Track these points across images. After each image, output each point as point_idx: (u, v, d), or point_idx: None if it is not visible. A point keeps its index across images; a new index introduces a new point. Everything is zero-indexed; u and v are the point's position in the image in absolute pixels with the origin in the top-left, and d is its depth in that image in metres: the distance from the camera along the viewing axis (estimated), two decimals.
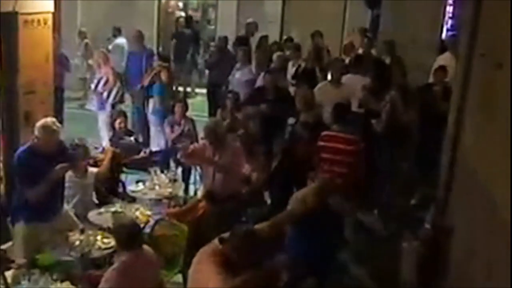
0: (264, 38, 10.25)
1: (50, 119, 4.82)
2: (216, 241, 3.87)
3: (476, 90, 3.92)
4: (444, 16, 10.51)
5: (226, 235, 3.85)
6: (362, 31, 10.02)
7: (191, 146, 6.09)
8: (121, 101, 8.56)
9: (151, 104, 8.27)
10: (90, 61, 10.63)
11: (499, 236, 3.04)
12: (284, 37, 11.22)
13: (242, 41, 9.81)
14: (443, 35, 10.34)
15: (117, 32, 10.76)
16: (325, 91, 7.02)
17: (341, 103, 6.14)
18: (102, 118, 8.34)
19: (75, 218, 5.13)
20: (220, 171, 5.61)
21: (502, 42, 3.42)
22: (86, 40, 11.13)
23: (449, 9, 10.65)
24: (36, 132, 4.69)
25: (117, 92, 8.39)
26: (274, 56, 8.66)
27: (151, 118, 8.18)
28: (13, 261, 4.47)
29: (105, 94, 8.31)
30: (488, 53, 3.70)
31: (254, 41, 10.28)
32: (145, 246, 4.21)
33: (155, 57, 8.67)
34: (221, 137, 5.68)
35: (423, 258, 4.19)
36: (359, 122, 6.68)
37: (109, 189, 6.03)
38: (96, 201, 5.76)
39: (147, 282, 4.07)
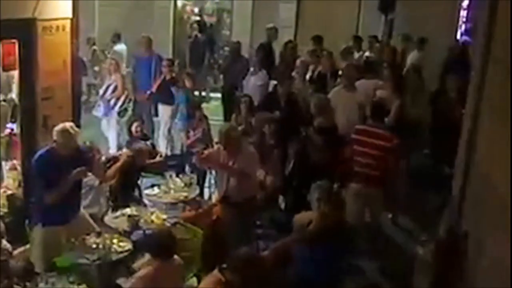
0: (290, 43, 10.14)
1: (68, 124, 4.91)
2: (216, 271, 3.83)
3: (491, 96, 3.91)
4: (458, 21, 10.48)
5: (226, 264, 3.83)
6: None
7: (206, 151, 6.13)
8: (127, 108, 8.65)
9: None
10: (96, 68, 10.71)
11: None
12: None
13: (265, 47, 9.77)
14: (458, 39, 10.31)
15: (116, 38, 10.80)
16: (339, 96, 7.05)
17: (379, 100, 6.43)
18: (111, 124, 8.49)
19: (91, 221, 5.19)
20: (234, 175, 5.62)
21: None
22: (94, 47, 11.20)
23: (463, 13, 10.62)
24: (54, 136, 4.78)
25: (125, 100, 8.51)
26: (298, 62, 8.57)
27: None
28: (38, 274, 4.52)
29: (112, 101, 8.44)
30: (503, 59, 3.69)
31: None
32: (175, 256, 4.25)
33: (164, 62, 8.67)
34: (235, 141, 5.67)
35: (437, 265, 4.17)
36: None
37: (124, 192, 6.08)
38: (111, 203, 5.82)
39: None
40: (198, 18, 13.75)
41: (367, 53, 9.42)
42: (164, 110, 8.58)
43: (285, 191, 6.24)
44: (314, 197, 4.58)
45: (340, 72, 7.91)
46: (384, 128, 5.86)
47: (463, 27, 10.60)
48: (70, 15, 5.97)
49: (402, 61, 9.54)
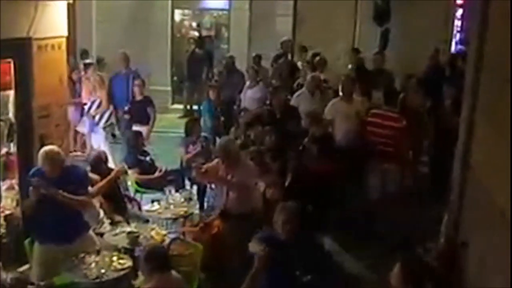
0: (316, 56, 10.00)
1: (50, 148, 4.89)
2: None
3: (485, 104, 3.92)
4: (452, 31, 10.54)
5: None
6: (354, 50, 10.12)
7: (205, 166, 6.13)
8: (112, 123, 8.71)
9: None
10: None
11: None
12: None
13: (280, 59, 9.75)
14: (452, 49, 10.35)
15: (84, 54, 10.70)
16: (338, 107, 7.11)
17: (391, 89, 7.23)
18: (96, 140, 8.47)
19: (97, 242, 5.16)
20: (233, 190, 5.61)
21: (510, 56, 3.43)
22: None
23: (458, 23, 10.68)
24: (38, 161, 4.79)
25: (109, 116, 8.55)
26: (309, 77, 8.38)
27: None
28: (32, 284, 4.52)
29: (97, 117, 8.49)
30: (496, 67, 3.70)
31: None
32: (173, 271, 4.25)
33: (136, 82, 8.56)
34: (234, 155, 5.66)
35: (437, 273, 4.15)
36: None
37: (115, 206, 6.05)
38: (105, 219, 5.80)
39: None
40: (196, 32, 13.84)
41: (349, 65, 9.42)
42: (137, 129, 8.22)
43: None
44: (280, 219, 4.44)
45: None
46: (394, 111, 6.67)
47: (458, 36, 10.66)
48: (65, 33, 6.00)
49: None
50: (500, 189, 3.37)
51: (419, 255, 4.11)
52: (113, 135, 9.97)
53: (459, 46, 10.34)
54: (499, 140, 3.50)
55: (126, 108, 8.76)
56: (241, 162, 5.70)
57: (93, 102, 8.52)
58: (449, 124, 6.12)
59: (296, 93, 7.90)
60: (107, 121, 8.60)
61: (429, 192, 6.54)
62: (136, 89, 8.52)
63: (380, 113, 6.75)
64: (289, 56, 10.18)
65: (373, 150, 6.73)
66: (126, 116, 8.51)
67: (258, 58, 10.04)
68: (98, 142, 8.48)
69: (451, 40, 10.65)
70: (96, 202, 5.73)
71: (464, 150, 4.22)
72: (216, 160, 6.04)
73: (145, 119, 8.35)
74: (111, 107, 8.68)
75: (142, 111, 8.43)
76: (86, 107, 8.60)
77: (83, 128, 8.68)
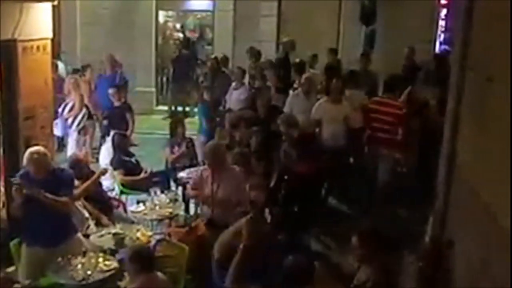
0: (315, 57, 10.03)
1: (35, 149, 4.85)
2: None
3: (469, 104, 3.97)
4: (437, 31, 10.65)
5: None
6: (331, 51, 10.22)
7: (194, 180, 5.95)
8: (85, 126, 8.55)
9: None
10: None
11: (499, 245, 3.06)
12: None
13: (283, 61, 9.72)
14: (437, 49, 10.46)
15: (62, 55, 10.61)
16: (325, 109, 7.12)
17: (393, 75, 7.43)
18: (69, 143, 8.34)
19: (86, 244, 5.12)
20: (219, 206, 5.49)
21: (493, 56, 3.48)
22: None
23: (442, 23, 10.79)
24: (24, 162, 4.75)
25: (82, 119, 8.43)
26: (302, 78, 8.20)
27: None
28: (17, 282, 4.48)
29: (70, 119, 8.34)
30: (480, 67, 3.75)
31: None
32: (158, 272, 4.24)
33: (111, 90, 8.42)
34: (221, 159, 5.60)
35: (423, 272, 4.20)
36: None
37: (100, 208, 6.01)
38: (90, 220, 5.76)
39: None
40: (180, 34, 13.82)
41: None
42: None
43: (270, 204, 6.24)
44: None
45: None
46: (394, 99, 6.91)
47: (442, 36, 10.76)
48: (50, 35, 5.97)
49: None
50: (486, 188, 3.41)
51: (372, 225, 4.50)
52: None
53: (444, 46, 10.44)
54: (484, 139, 3.55)
55: (104, 113, 8.73)
56: (227, 167, 5.63)
57: (66, 105, 8.35)
58: (434, 124, 6.19)
59: (291, 95, 7.88)
60: (79, 123, 8.44)
61: (415, 192, 6.59)
62: (112, 97, 8.38)
63: (380, 101, 7.06)
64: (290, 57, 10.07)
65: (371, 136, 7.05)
66: (105, 122, 8.41)
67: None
68: (71, 145, 8.32)
69: (435, 40, 10.75)
70: (80, 204, 5.69)
71: (450, 149, 4.27)
72: (199, 171, 5.93)
73: (123, 126, 8.21)
74: (84, 110, 8.55)
75: (120, 117, 8.32)
76: (59, 110, 8.41)
77: (56, 131, 8.48)
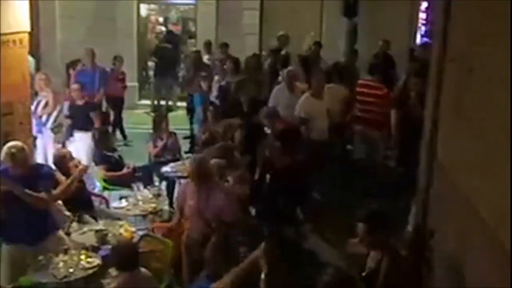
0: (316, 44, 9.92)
1: (13, 144, 4.75)
2: None
3: (449, 95, 3.99)
4: (417, 23, 10.70)
5: None
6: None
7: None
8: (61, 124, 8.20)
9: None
10: None
11: (478, 234, 3.09)
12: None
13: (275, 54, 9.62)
14: (417, 41, 10.51)
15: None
16: (309, 104, 7.10)
17: (377, 60, 8.17)
18: (46, 141, 7.94)
19: (67, 241, 5.05)
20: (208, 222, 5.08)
21: (472, 47, 3.50)
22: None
23: (422, 15, 10.84)
24: (1, 158, 4.68)
25: (57, 116, 8.10)
26: (284, 72, 8.13)
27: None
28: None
29: (44, 117, 7.96)
30: (459, 58, 3.77)
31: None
32: (142, 268, 4.21)
33: (74, 86, 8.12)
34: (207, 175, 5.16)
35: (406, 261, 4.23)
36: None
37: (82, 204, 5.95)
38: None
39: None
40: (163, 27, 13.71)
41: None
42: (80, 137, 7.84)
43: (255, 198, 6.24)
44: None
45: None
46: (378, 81, 7.43)
47: (423, 29, 10.82)
48: (28, 29, 5.87)
49: None
50: (466, 179, 3.44)
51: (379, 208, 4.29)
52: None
53: (424, 39, 10.49)
54: (463, 130, 3.57)
55: (66, 113, 8.60)
56: (214, 182, 5.21)
57: (39, 102, 7.96)
58: (414, 115, 6.22)
59: (275, 89, 7.85)
60: (54, 121, 8.21)
61: (397, 184, 6.63)
62: (74, 94, 8.02)
63: (366, 83, 7.52)
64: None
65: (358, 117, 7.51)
66: (68, 121, 7.96)
67: (225, 46, 9.97)
68: (45, 143, 7.95)
69: (415, 33, 10.79)
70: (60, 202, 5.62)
71: (430, 140, 4.30)
72: (183, 184, 5.59)
73: (87, 125, 7.83)
74: (59, 107, 8.32)
75: (84, 116, 7.91)
76: (32, 108, 7.69)
77: None
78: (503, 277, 2.65)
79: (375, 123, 7.36)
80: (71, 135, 7.90)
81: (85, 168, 6.03)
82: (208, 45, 10.54)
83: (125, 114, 10.29)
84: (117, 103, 10.08)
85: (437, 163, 4.23)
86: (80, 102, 8.03)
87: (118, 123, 10.09)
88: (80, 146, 7.55)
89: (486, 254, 2.96)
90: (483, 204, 3.06)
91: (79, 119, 7.90)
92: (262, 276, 3.44)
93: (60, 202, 5.47)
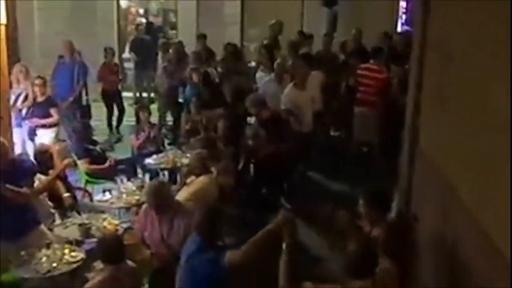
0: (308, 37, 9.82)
1: None
2: None
3: (430, 82, 4.02)
4: (398, 12, 10.75)
5: None
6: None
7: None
8: None
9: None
10: None
11: (459, 217, 3.13)
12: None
13: (272, 45, 9.47)
14: (398, 29, 10.56)
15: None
16: (294, 96, 7.08)
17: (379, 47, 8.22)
18: (21, 135, 7.67)
19: (49, 236, 5.01)
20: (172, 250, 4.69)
21: (452, 35, 3.52)
22: None
23: (403, 4, 10.89)
24: None
25: None
26: (276, 63, 8.07)
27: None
28: None
29: (24, 111, 7.75)
30: (440, 46, 3.80)
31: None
32: (127, 261, 4.19)
33: (37, 81, 7.74)
34: (166, 201, 4.72)
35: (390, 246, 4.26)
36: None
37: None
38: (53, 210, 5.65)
39: None
40: (143, 19, 13.59)
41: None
42: (42, 134, 7.62)
43: (239, 188, 6.24)
44: None
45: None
46: (379, 64, 7.63)
47: (404, 17, 10.88)
48: (3, 21, 5.76)
49: None
50: (447, 164, 3.48)
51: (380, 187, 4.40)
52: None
53: (405, 27, 10.54)
54: (444, 117, 3.60)
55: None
56: (175, 207, 4.76)
57: (19, 95, 7.74)
58: (396, 102, 6.26)
59: (264, 79, 7.81)
60: None
61: (380, 171, 6.69)
62: (36, 89, 7.65)
63: (367, 67, 7.71)
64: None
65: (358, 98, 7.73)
66: (32, 120, 7.65)
67: (203, 38, 9.89)
68: (23, 137, 7.75)
69: (396, 21, 10.85)
70: (44, 196, 5.57)
71: (412, 127, 4.33)
72: (143, 209, 5.02)
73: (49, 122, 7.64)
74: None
75: (45, 113, 7.66)
76: (11, 100, 7.60)
77: None
78: (482, 256, 2.70)
79: (373, 105, 7.47)
80: (35, 133, 7.64)
81: (71, 163, 5.98)
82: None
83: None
84: (115, 97, 9.96)
85: (419, 150, 4.27)
86: (41, 98, 7.72)
87: (120, 118, 9.94)
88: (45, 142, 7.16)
89: (466, 235, 3.00)
90: (463, 188, 3.10)
91: (40, 116, 7.64)
92: (284, 246, 3.33)
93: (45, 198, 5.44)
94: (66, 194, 5.74)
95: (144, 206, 5.00)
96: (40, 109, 7.69)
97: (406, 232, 4.24)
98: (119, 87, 10.24)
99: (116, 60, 10.08)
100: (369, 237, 3.92)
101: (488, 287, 2.64)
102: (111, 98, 9.92)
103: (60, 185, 5.79)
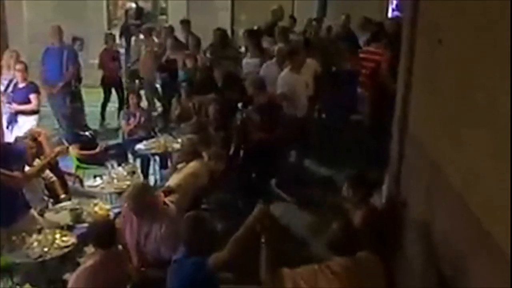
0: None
1: None
2: None
3: (420, 67, 4.04)
4: None
5: None
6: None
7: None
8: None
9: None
10: None
11: (449, 202, 3.17)
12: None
13: (271, 30, 9.34)
14: (389, 15, 10.56)
15: None
16: (287, 79, 7.07)
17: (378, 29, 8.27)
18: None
19: (40, 221, 5.00)
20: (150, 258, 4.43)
21: (442, 19, 3.53)
22: None
23: None
24: None
25: None
26: (276, 48, 7.88)
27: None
28: None
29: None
30: (430, 30, 3.81)
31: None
32: (119, 246, 4.21)
33: (18, 66, 7.59)
34: (147, 205, 4.34)
35: (379, 229, 4.31)
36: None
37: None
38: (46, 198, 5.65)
39: (119, 281, 4.07)
40: (133, 4, 13.48)
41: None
42: (24, 121, 7.49)
43: (230, 173, 6.26)
44: None
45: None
46: (380, 47, 7.61)
47: (394, 2, 10.88)
48: None
49: None
50: (436, 147, 3.51)
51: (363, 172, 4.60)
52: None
53: (395, 12, 10.55)
54: (434, 102, 3.63)
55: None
56: (157, 211, 4.37)
57: (10, 81, 7.65)
58: (386, 87, 6.28)
59: (265, 64, 7.79)
60: None
61: (370, 155, 6.72)
62: (18, 74, 7.49)
63: (367, 50, 7.93)
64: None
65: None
66: (11, 107, 7.48)
67: (186, 23, 9.78)
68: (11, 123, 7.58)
69: (387, 7, 10.85)
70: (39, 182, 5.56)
71: (402, 112, 4.35)
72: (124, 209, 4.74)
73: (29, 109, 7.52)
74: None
75: (25, 99, 7.52)
76: (2, 87, 7.67)
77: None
78: (472, 239, 2.74)
79: (371, 84, 7.49)
80: (15, 120, 7.53)
81: (63, 150, 5.96)
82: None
83: (96, 92, 10.12)
84: (115, 84, 9.86)
85: (409, 134, 4.29)
86: (21, 84, 7.58)
87: (121, 105, 9.80)
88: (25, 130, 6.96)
89: (455, 218, 3.04)
90: (450, 169, 3.14)
91: (21, 103, 7.52)
92: (263, 240, 3.37)
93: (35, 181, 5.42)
94: (63, 196, 5.74)
95: (125, 204, 4.67)
96: (20, 95, 7.55)
97: (394, 217, 4.29)
98: (119, 73, 10.13)
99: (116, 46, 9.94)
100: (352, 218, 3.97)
101: (477, 270, 2.67)
102: (111, 85, 9.84)
103: (58, 185, 5.79)
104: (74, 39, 9.46)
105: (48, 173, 5.69)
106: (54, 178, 5.79)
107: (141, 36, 10.13)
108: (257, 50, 8.23)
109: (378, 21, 9.11)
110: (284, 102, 6.90)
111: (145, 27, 10.51)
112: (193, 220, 3.80)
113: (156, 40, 9.84)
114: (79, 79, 9.20)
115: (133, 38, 10.71)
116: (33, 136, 5.92)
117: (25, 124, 7.32)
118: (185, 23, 9.73)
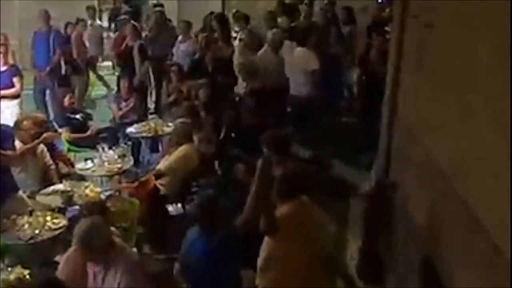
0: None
1: None
2: None
3: (410, 50, 4.06)
4: None
5: None
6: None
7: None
8: None
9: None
10: None
11: (438, 186, 3.21)
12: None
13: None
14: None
15: None
16: (266, 58, 7.09)
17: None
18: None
19: (29, 203, 5.01)
20: None
21: (433, 3, 3.55)
22: None
23: None
24: None
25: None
26: (269, 34, 7.66)
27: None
28: None
29: None
30: (420, 13, 3.83)
31: None
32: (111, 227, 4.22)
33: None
34: (101, 245, 3.46)
35: (368, 214, 4.37)
36: None
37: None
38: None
39: None
40: None
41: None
42: (7, 106, 7.31)
43: (220, 156, 6.28)
44: None
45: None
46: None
47: None
48: None
49: None
50: (426, 132, 3.55)
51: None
52: None
53: None
54: (422, 85, 3.66)
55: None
56: (115, 254, 3.49)
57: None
58: (376, 72, 6.30)
59: (261, 50, 7.74)
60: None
61: (359, 140, 6.76)
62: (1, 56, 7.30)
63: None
64: None
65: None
66: None
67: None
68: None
69: None
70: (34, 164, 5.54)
71: (391, 97, 4.39)
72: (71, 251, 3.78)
73: (11, 91, 7.33)
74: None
75: (8, 83, 7.32)
76: None
77: None
78: (460, 223, 2.79)
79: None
80: None
81: (54, 134, 5.94)
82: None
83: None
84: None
85: (398, 119, 4.33)
86: (3, 68, 7.43)
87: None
88: (7, 115, 6.96)
89: (444, 203, 3.09)
90: (440, 155, 3.17)
91: (3, 86, 7.33)
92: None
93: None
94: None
95: (70, 249, 3.80)
96: (2, 78, 7.39)
97: (384, 200, 4.35)
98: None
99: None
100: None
101: (465, 253, 2.72)
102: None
103: (54, 173, 5.77)
104: (78, 20, 9.77)
105: (48, 158, 5.68)
106: (52, 164, 5.77)
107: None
108: (226, 36, 8.16)
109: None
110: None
111: (125, 9, 10.44)
112: (209, 201, 3.95)
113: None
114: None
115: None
116: (34, 120, 5.86)
117: (7, 111, 7.18)
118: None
